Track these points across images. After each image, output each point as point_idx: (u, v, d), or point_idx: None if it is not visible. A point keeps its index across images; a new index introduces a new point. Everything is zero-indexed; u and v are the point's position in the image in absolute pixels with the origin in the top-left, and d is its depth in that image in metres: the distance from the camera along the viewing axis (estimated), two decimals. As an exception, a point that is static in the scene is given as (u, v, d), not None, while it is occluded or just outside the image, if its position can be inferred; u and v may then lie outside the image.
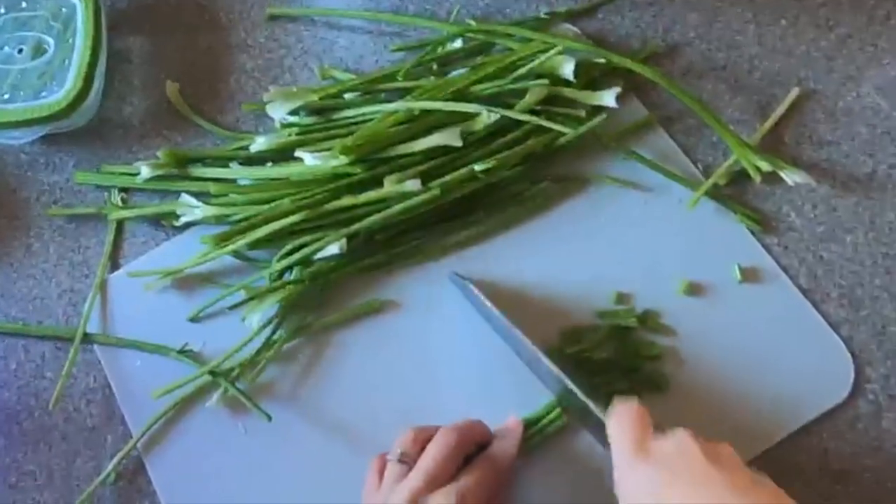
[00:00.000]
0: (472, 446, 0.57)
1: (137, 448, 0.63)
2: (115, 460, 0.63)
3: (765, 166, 0.67)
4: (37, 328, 0.68)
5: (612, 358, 0.63)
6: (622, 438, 0.50)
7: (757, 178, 0.67)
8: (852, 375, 0.63)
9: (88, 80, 0.69)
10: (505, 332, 0.63)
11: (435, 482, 0.53)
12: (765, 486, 0.46)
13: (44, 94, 0.69)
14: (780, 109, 0.72)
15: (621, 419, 0.51)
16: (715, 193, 0.68)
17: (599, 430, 0.53)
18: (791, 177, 0.66)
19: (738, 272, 0.66)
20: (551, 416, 0.61)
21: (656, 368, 0.63)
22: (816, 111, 0.73)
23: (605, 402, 0.53)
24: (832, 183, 0.70)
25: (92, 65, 0.69)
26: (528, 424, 0.61)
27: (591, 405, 0.55)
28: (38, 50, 0.71)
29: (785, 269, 0.66)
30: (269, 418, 0.62)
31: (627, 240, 0.67)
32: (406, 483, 0.53)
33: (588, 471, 0.60)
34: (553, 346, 0.64)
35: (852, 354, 0.64)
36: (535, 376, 0.62)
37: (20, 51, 0.71)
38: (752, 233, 0.68)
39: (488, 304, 0.62)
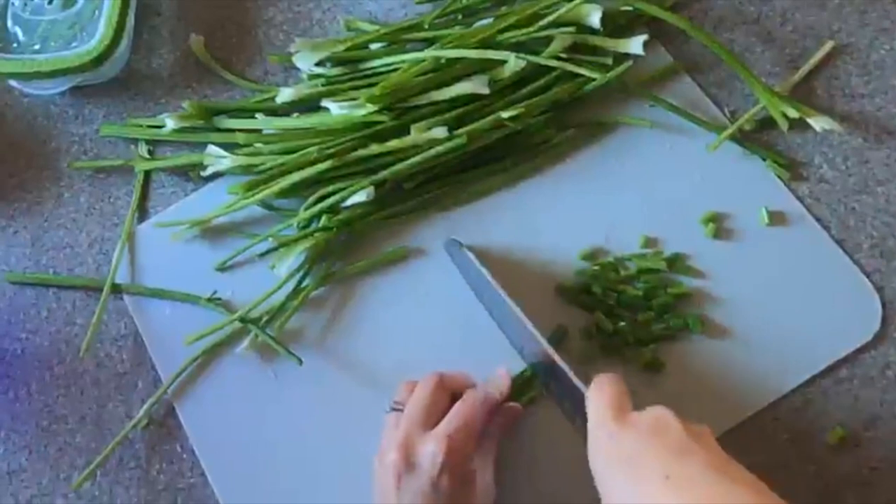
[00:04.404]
0: (457, 391, 0.58)
1: (168, 393, 0.64)
2: (146, 405, 0.63)
3: (792, 113, 0.66)
4: (67, 278, 0.69)
5: (643, 297, 0.63)
6: (601, 407, 0.48)
7: (784, 126, 0.66)
8: (880, 314, 0.63)
9: (118, 31, 0.69)
10: (493, 304, 0.63)
11: (422, 426, 0.54)
12: (740, 469, 0.45)
13: (74, 44, 0.70)
14: (813, 61, 0.71)
15: (602, 389, 0.50)
16: (743, 139, 0.68)
17: (578, 402, 0.52)
18: (819, 124, 0.66)
19: (765, 216, 0.65)
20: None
21: (689, 310, 0.63)
22: (849, 64, 0.72)
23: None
24: (864, 135, 0.69)
25: (122, 16, 0.70)
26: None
27: (572, 376, 0.55)
28: (69, 1, 0.71)
29: (817, 220, 0.66)
30: (301, 362, 0.62)
31: (654, 185, 0.67)
32: (396, 433, 0.55)
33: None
34: (580, 272, 0.65)
35: (883, 304, 0.63)
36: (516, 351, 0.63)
37: (50, 2, 0.71)
38: (781, 179, 0.67)
39: (484, 271, 0.62)
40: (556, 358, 0.56)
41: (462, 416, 0.55)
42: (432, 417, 0.55)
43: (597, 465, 0.47)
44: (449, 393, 0.57)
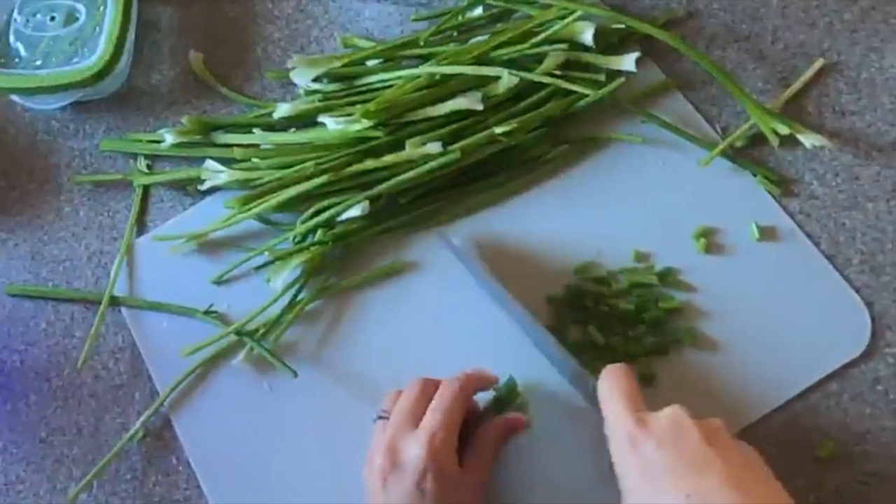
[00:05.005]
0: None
1: (164, 405, 0.65)
2: (142, 417, 0.64)
3: (782, 129, 0.67)
4: (66, 291, 0.69)
5: (634, 311, 0.64)
6: (617, 404, 0.50)
7: (775, 142, 0.67)
8: (869, 329, 0.63)
9: (119, 47, 0.70)
10: (499, 298, 0.64)
11: (407, 428, 0.55)
12: (757, 479, 0.47)
13: (75, 60, 0.71)
14: (804, 79, 0.72)
15: (615, 383, 0.52)
16: (734, 155, 0.69)
17: (592, 395, 0.54)
18: (809, 140, 0.67)
19: (756, 231, 0.66)
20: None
21: (680, 324, 0.64)
22: (839, 82, 0.72)
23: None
24: (854, 152, 0.70)
25: (122, 32, 0.71)
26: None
27: (576, 364, 0.57)
28: (70, 18, 0.73)
29: (807, 236, 0.66)
30: (295, 374, 0.63)
31: (646, 200, 0.68)
32: (382, 437, 0.56)
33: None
34: (572, 286, 0.65)
35: (872, 319, 0.64)
36: (532, 343, 0.64)
37: (52, 18, 0.73)
38: (771, 195, 0.68)
39: (484, 269, 0.63)
40: (561, 351, 0.59)
41: (441, 408, 0.55)
42: (416, 419, 0.56)
43: (621, 472, 0.49)
44: (432, 395, 0.58)
